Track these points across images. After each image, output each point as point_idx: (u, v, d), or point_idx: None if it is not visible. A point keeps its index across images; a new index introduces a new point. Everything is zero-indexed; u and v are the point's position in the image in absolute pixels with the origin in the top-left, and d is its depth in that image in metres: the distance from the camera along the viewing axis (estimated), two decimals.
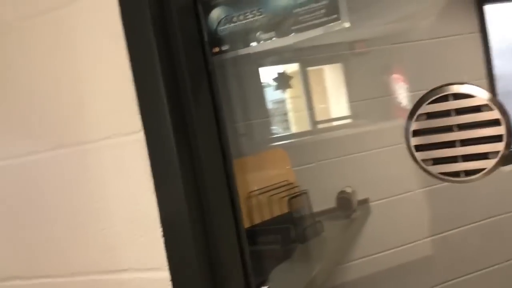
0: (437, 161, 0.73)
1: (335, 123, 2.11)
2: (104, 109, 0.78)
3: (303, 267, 1.41)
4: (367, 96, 2.00)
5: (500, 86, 2.27)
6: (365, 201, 1.72)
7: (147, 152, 0.76)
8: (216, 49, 0.82)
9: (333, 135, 1.94)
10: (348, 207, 1.60)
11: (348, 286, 1.74)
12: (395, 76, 1.97)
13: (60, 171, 0.84)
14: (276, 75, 2.14)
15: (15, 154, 0.89)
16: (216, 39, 0.81)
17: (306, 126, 2.15)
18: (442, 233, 1.90)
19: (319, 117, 2.12)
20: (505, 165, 2.01)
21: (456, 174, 0.73)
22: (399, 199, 1.83)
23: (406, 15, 2.00)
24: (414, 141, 0.74)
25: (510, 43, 2.47)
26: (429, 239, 1.87)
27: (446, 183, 1.84)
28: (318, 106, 2.16)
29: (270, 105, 2.11)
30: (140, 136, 0.76)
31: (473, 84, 0.71)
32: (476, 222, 1.94)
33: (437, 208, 1.89)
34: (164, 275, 0.77)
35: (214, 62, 0.83)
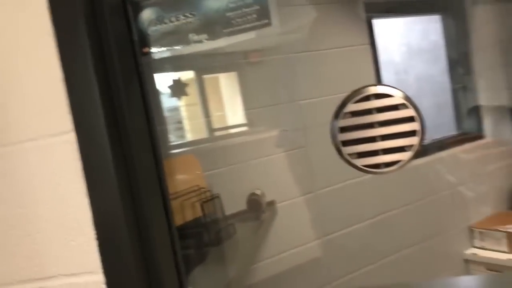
0: (361, 154, 0.81)
1: (239, 129, 2.17)
2: (30, 110, 0.74)
3: (218, 270, 1.43)
4: (265, 103, 2.08)
5: None
6: (272, 203, 1.79)
7: (79, 153, 0.74)
8: (147, 49, 0.82)
9: (239, 141, 1.99)
10: (258, 209, 1.66)
11: (258, 286, 1.79)
12: (289, 83, 2.08)
13: None
14: (171, 82, 2.14)
15: None
16: (147, 40, 0.81)
17: (214, 133, 2.18)
18: (340, 231, 2.03)
19: (224, 124, 2.17)
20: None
21: (377, 166, 0.81)
22: (302, 200, 1.93)
23: (299, 26, 2.13)
24: (341, 137, 0.81)
25: (389, 56, 2.73)
26: (328, 237, 1.99)
27: (343, 184, 1.97)
28: (217, 112, 2.21)
29: (168, 112, 2.11)
30: (71, 137, 0.73)
31: (390, 86, 0.80)
32: (369, 219, 2.10)
33: (335, 207, 2.02)
34: (98, 278, 0.75)
35: (143, 62, 0.83)
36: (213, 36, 0.79)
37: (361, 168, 0.81)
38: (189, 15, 0.79)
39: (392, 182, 2.12)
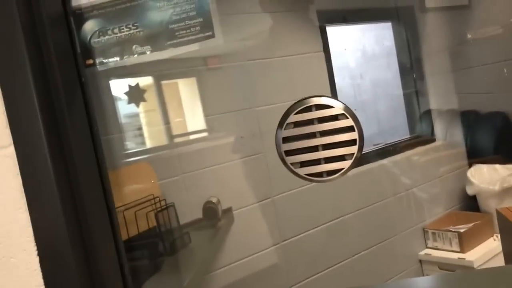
0: (304, 163, 0.83)
1: (195, 136, 2.16)
2: None
3: (173, 279, 1.42)
4: (222, 110, 2.08)
5: (339, 99, 2.54)
6: (228, 210, 1.79)
7: (18, 168, 0.72)
8: (90, 61, 0.81)
9: (195, 148, 1.98)
10: (213, 216, 1.66)
11: None
12: (246, 90, 2.10)
13: None
14: (128, 88, 2.12)
15: None
16: (90, 51, 0.80)
17: (170, 140, 2.16)
18: (296, 236, 2.05)
19: (180, 131, 2.16)
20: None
21: (319, 174, 0.83)
22: (259, 207, 1.94)
23: (255, 34, 2.15)
24: (284, 147, 0.83)
25: (344, 62, 2.78)
26: (284, 242, 2.01)
27: (299, 189, 2.00)
28: (175, 119, 2.19)
29: (127, 119, 2.08)
30: (10, 151, 0.72)
31: (329, 97, 0.82)
32: (325, 223, 2.13)
33: (292, 212, 2.04)
34: None
35: (87, 74, 0.82)
36: (157, 47, 0.79)
37: (304, 177, 0.83)
38: (132, 27, 0.79)
39: (347, 186, 2.16)
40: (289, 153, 0.83)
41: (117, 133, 1.72)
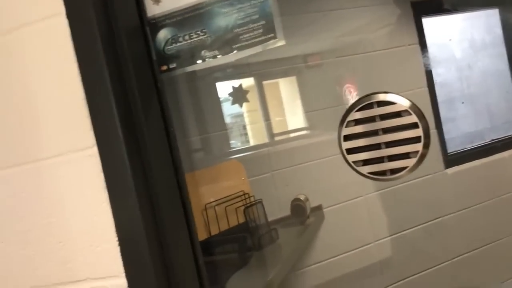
0: (366, 162, 0.81)
1: (289, 135, 2.19)
2: (57, 127, 0.81)
3: (260, 273, 1.46)
4: (320, 106, 2.09)
5: (442, 93, 2.41)
6: (318, 208, 1.79)
7: (101, 166, 0.80)
8: (164, 67, 0.87)
9: (287, 146, 2.01)
10: (302, 214, 1.67)
11: None
12: (347, 86, 2.07)
13: (14, 189, 0.87)
14: (232, 90, 2.20)
15: None
16: (164, 58, 0.86)
17: (261, 139, 2.21)
18: (393, 235, 1.99)
19: (274, 129, 2.20)
20: (447, 168, 2.13)
21: (383, 173, 0.81)
22: (351, 204, 1.92)
23: (354, 29, 2.12)
24: (345, 145, 0.82)
25: (448, 52, 2.63)
26: (378, 242, 1.96)
27: (394, 187, 1.94)
28: (273, 118, 2.24)
29: (226, 119, 2.17)
30: (94, 151, 0.80)
31: (394, 93, 0.79)
32: (422, 223, 2.04)
33: (387, 211, 1.98)
34: (121, 282, 0.80)
35: (163, 79, 0.88)
36: (223, 51, 0.83)
37: (367, 175, 0.81)
38: (201, 33, 0.83)
39: (446, 185, 2.05)
40: (351, 151, 0.82)
41: (207, 133, 1.80)
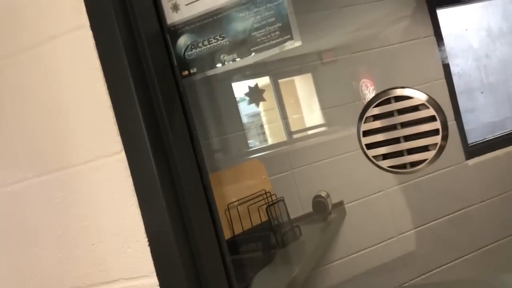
0: (386, 156, 0.83)
1: (307, 132, 2.20)
2: (86, 135, 0.85)
3: (284, 270, 1.48)
4: (337, 103, 2.10)
5: (461, 83, 2.40)
6: (340, 204, 1.81)
7: (129, 170, 0.83)
8: (186, 72, 0.90)
9: (306, 144, 2.03)
10: (323, 211, 1.69)
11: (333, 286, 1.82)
12: (364, 81, 2.08)
13: (48, 196, 0.91)
14: (248, 90, 2.22)
15: (4, 183, 0.96)
16: (185, 63, 0.89)
17: (280, 137, 2.24)
18: (416, 228, 1.99)
19: (292, 127, 2.22)
20: (468, 159, 2.12)
21: (403, 166, 0.83)
22: (372, 199, 1.92)
23: (368, 24, 2.12)
24: (365, 140, 0.84)
25: (466, 42, 2.62)
26: (401, 236, 1.97)
27: (415, 180, 1.94)
28: (291, 116, 2.26)
29: (243, 119, 2.20)
30: (122, 156, 0.83)
31: (411, 88, 0.81)
32: (448, 214, 2.04)
33: (409, 204, 1.99)
34: (152, 281, 0.84)
35: (184, 84, 0.91)
36: (242, 55, 0.85)
37: (387, 169, 0.83)
38: (220, 38, 0.86)
39: (468, 176, 2.04)
40: (371, 146, 0.84)
41: (227, 134, 1.83)
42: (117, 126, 0.83)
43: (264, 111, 2.41)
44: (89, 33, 0.83)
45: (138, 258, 0.84)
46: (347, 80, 2.15)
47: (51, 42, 0.85)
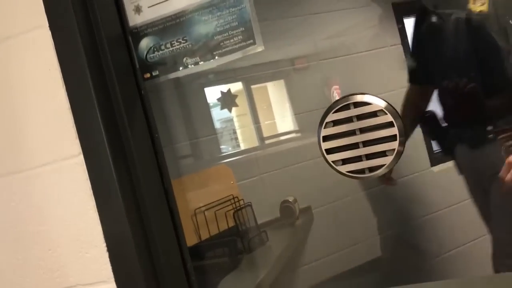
0: (345, 161, 0.84)
1: (278, 138, 2.21)
2: (44, 137, 0.83)
3: (250, 275, 1.48)
4: (308, 109, 2.11)
5: None
6: (307, 209, 1.81)
7: (87, 173, 0.82)
8: (148, 75, 0.89)
9: (275, 149, 2.03)
10: (291, 216, 1.69)
11: None
12: (335, 87, 2.10)
13: (3, 199, 0.88)
14: (220, 95, 2.21)
15: None
16: (147, 66, 0.88)
17: (251, 142, 2.23)
18: (383, 234, 2.01)
19: (264, 133, 2.22)
20: (433, 166, 2.16)
21: (361, 171, 0.84)
22: (339, 205, 1.93)
23: (337, 32, 2.14)
24: (325, 145, 0.85)
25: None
26: (370, 240, 1.98)
27: (381, 186, 1.96)
28: (263, 122, 2.26)
29: (215, 124, 2.19)
30: (80, 160, 0.82)
31: (371, 94, 0.82)
32: (414, 220, 2.06)
33: (376, 210, 2.00)
34: (111, 287, 0.82)
35: (148, 87, 0.90)
36: (205, 58, 0.85)
37: (347, 174, 0.84)
38: (182, 41, 0.85)
39: (433, 183, 2.08)
40: (330, 151, 0.85)
41: (197, 138, 1.82)
42: (75, 129, 0.82)
43: (237, 116, 2.41)
44: (48, 33, 0.81)
45: (96, 264, 0.83)
46: (319, 87, 2.16)
47: (7, 42, 0.83)
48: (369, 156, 0.81)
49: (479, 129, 1.12)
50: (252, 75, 2.28)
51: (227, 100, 2.23)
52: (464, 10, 1.07)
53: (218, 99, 2.21)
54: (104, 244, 0.82)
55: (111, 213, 0.81)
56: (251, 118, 2.35)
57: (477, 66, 1.08)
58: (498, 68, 1.09)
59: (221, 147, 2.12)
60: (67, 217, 0.83)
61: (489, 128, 1.06)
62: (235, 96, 2.29)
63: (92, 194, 0.82)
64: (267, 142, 2.15)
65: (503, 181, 0.93)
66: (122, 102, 0.83)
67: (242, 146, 2.20)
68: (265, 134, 2.23)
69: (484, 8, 1.04)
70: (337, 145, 0.83)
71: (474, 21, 1.06)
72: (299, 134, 2.06)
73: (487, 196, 1.19)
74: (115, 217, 0.81)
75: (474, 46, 1.08)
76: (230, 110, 2.39)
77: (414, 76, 1.21)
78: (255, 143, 2.17)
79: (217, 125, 2.24)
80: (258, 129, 2.22)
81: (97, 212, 0.82)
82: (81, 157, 0.81)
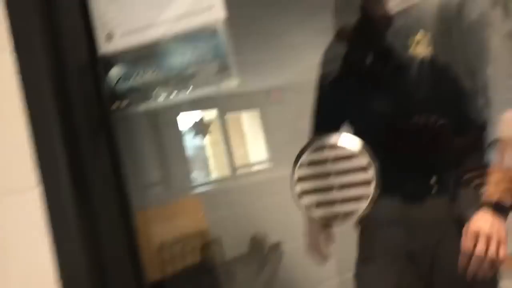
0: (319, 205, 0.80)
1: (250, 169, 2.17)
2: None
3: None
4: (282, 141, 2.08)
5: None
6: (277, 245, 1.77)
7: (44, 208, 0.76)
8: (116, 105, 0.84)
9: (247, 181, 1.99)
10: (260, 251, 1.65)
11: None
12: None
13: None
14: (193, 123, 2.18)
15: None
16: (116, 95, 0.84)
17: (222, 172, 2.19)
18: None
19: (236, 164, 2.18)
20: None
21: (335, 217, 0.79)
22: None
23: (314, 65, 2.15)
24: (298, 187, 0.81)
25: None
26: (342, 277, 1.94)
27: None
28: (235, 152, 2.23)
29: (187, 152, 2.14)
30: (37, 192, 0.76)
31: (348, 133, 0.79)
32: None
33: (348, 246, 1.97)
34: None
35: (116, 117, 0.85)
36: (177, 89, 0.81)
37: (319, 220, 0.80)
38: (154, 71, 0.82)
39: None
40: (304, 193, 0.81)
41: (167, 169, 1.77)
42: (33, 159, 0.76)
43: (210, 144, 2.37)
44: (10, 57, 0.76)
45: None
46: (294, 119, 2.14)
47: None
48: (343, 201, 0.77)
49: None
50: (228, 104, 2.25)
51: (200, 129, 2.19)
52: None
53: (191, 128, 2.17)
54: (58, 284, 0.76)
55: (67, 252, 0.76)
56: (223, 147, 2.32)
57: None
58: (456, 110, 1.06)
59: (194, 177, 2.07)
60: (20, 254, 0.77)
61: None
62: (208, 125, 2.25)
63: (48, 229, 0.76)
64: (239, 173, 2.11)
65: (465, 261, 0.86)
66: (87, 132, 0.78)
67: (214, 176, 2.16)
68: (238, 164, 2.19)
69: (427, 51, 1.03)
70: (311, 188, 0.79)
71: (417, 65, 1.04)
72: (271, 167, 2.03)
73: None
74: (71, 257, 0.76)
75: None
76: (203, 138, 2.34)
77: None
78: (227, 173, 2.12)
79: (190, 153, 2.20)
80: (231, 159, 2.19)
81: (51, 250, 0.76)
82: (38, 189, 0.76)
